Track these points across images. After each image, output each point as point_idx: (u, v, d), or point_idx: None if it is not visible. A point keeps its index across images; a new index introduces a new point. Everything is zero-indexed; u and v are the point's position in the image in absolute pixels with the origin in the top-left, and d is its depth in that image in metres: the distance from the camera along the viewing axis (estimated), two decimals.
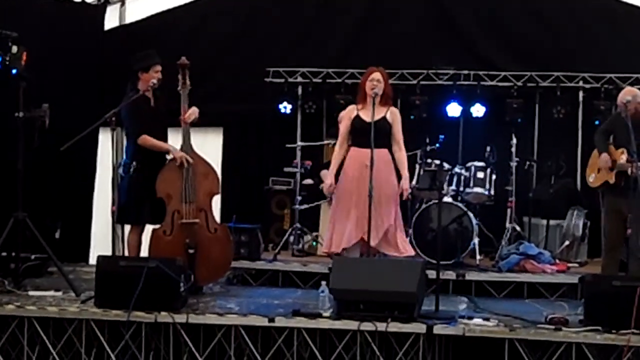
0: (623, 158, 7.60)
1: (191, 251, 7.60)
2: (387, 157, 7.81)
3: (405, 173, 7.84)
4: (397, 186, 7.81)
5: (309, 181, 10.06)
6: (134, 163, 7.80)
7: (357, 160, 7.76)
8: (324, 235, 9.30)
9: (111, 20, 10.92)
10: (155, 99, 7.90)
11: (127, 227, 8.16)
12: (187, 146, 7.80)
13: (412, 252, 8.06)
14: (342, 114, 8.20)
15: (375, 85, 7.74)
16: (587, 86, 10.47)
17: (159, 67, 7.83)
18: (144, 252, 7.84)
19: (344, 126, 7.96)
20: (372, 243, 7.54)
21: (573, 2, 10.53)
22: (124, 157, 8.09)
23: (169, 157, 7.83)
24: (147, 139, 7.73)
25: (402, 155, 7.88)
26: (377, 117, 7.69)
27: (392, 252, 7.75)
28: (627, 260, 7.53)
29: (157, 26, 10.81)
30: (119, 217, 7.83)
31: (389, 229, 7.76)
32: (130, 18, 11.02)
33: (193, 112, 7.80)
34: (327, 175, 8.02)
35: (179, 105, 7.81)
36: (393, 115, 7.87)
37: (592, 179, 8.09)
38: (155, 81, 7.75)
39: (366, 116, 7.70)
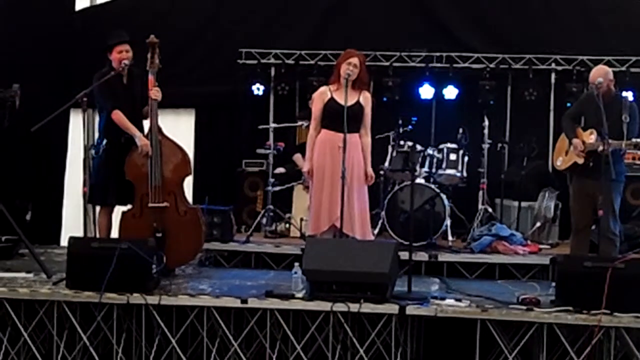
0: (592, 138, 7.58)
1: (159, 235, 7.49)
2: (359, 141, 7.77)
3: (369, 158, 7.85)
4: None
5: (281, 169, 9.98)
6: (104, 143, 7.72)
7: (328, 143, 7.70)
8: (298, 218, 9.33)
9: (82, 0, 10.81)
10: (131, 79, 7.77)
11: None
12: (154, 129, 7.64)
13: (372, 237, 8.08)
14: (315, 95, 8.13)
15: (352, 70, 7.62)
16: (559, 68, 10.51)
17: (122, 47, 7.64)
18: (115, 234, 7.78)
19: (316, 109, 7.83)
20: (343, 226, 7.48)
21: None
22: (97, 137, 8.01)
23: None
24: (119, 115, 7.59)
25: (368, 140, 7.87)
26: (352, 101, 7.64)
27: (357, 236, 7.66)
28: (598, 241, 7.56)
29: (128, 7, 10.70)
30: (89, 197, 7.74)
31: (359, 213, 7.73)
32: None
33: (158, 90, 7.63)
34: (305, 162, 7.98)
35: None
36: (366, 100, 7.78)
37: (560, 162, 8.06)
38: (127, 62, 7.61)
39: (340, 99, 7.61)
